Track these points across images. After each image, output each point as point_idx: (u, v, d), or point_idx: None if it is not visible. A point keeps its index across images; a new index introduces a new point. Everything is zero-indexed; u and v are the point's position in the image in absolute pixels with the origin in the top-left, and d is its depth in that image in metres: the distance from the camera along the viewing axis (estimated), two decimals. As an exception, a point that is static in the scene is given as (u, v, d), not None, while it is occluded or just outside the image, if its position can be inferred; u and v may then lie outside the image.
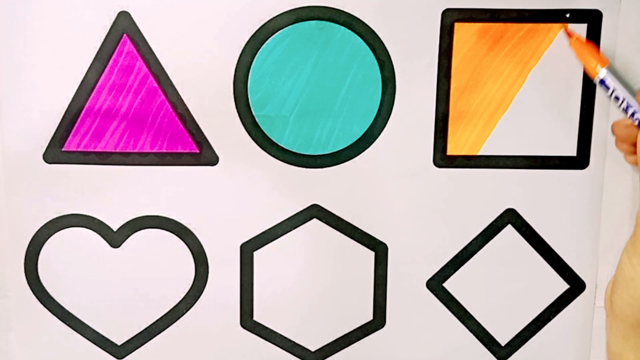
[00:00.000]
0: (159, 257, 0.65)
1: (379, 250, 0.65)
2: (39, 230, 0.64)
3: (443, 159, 0.63)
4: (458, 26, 0.60)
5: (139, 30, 0.60)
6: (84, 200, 0.64)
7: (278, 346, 0.67)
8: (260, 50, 0.60)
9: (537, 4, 0.60)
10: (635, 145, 0.59)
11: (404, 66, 0.61)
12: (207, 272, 0.66)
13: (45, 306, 0.66)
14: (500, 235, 0.65)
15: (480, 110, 0.62)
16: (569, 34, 0.60)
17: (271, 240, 0.65)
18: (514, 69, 0.61)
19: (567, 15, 0.60)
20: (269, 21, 0.60)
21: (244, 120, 0.62)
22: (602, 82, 0.59)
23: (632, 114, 0.58)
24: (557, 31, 0.60)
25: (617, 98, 0.59)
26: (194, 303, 0.66)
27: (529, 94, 0.62)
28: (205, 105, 0.62)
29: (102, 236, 0.64)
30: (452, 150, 0.63)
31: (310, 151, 0.63)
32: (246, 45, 0.60)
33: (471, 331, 0.67)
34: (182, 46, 0.60)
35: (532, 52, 0.61)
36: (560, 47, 0.61)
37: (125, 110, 0.62)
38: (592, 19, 0.60)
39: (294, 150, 0.63)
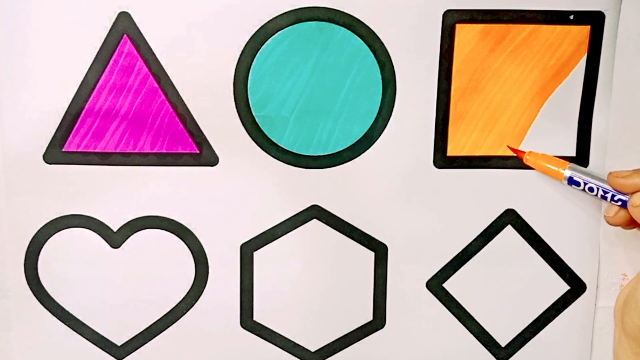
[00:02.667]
0: (159, 257, 0.65)
1: (379, 250, 0.65)
2: (39, 230, 0.64)
3: (443, 159, 0.63)
4: (459, 27, 0.60)
5: (139, 31, 0.60)
6: (84, 201, 0.63)
7: (278, 346, 0.67)
8: (260, 50, 0.60)
9: (539, 5, 0.60)
10: (633, 223, 0.60)
11: (404, 67, 0.61)
12: (207, 272, 0.66)
13: (45, 306, 0.66)
14: (500, 235, 0.65)
15: (481, 112, 0.62)
16: (519, 153, 0.62)
17: (271, 240, 0.65)
18: (515, 70, 0.61)
19: (571, 17, 0.60)
20: (269, 21, 0.60)
21: (244, 120, 0.62)
22: (570, 181, 0.61)
23: (612, 198, 0.59)
24: (559, 33, 0.60)
25: (591, 189, 0.60)
26: (194, 303, 0.66)
27: (530, 95, 0.62)
28: (205, 106, 0.62)
29: (102, 236, 0.64)
30: (452, 151, 0.63)
31: (310, 152, 0.63)
32: (246, 45, 0.60)
33: (471, 332, 0.67)
34: (182, 46, 0.60)
35: (533, 53, 0.61)
36: (560, 48, 0.61)
37: (126, 111, 0.62)
38: (595, 21, 0.60)
39: (294, 151, 0.63)
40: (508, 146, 0.62)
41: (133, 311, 0.66)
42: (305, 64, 0.61)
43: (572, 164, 0.61)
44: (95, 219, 0.64)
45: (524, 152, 0.62)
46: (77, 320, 0.66)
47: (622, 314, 0.60)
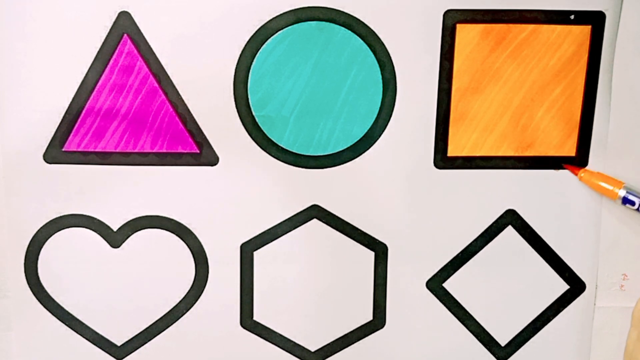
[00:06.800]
0: (159, 257, 0.65)
1: (379, 250, 0.65)
2: (39, 230, 0.64)
3: (443, 160, 0.63)
4: (460, 27, 0.60)
5: (139, 31, 0.60)
6: (84, 200, 0.63)
7: (278, 346, 0.67)
8: (260, 50, 0.60)
9: (539, 5, 0.60)
10: None
11: (405, 67, 0.61)
12: (207, 272, 0.66)
13: (45, 306, 0.66)
14: (500, 236, 0.65)
15: (482, 112, 0.62)
16: (574, 170, 0.62)
17: (271, 240, 0.65)
18: (516, 70, 0.61)
19: (572, 17, 0.60)
20: (269, 21, 0.60)
21: (244, 120, 0.62)
22: (625, 200, 0.61)
23: None
24: (559, 33, 0.60)
25: None
26: (194, 303, 0.66)
27: (530, 95, 0.62)
28: (205, 105, 0.61)
29: (102, 236, 0.64)
30: (452, 151, 0.63)
31: (311, 152, 0.63)
32: (246, 45, 0.60)
33: (471, 331, 0.67)
34: (182, 46, 0.60)
35: (534, 53, 0.61)
36: (561, 48, 0.61)
37: (126, 110, 0.61)
38: (596, 21, 0.60)
39: (294, 151, 0.63)
40: (564, 165, 0.63)
41: (133, 311, 0.66)
42: (305, 64, 0.61)
43: (626, 184, 0.62)
44: (95, 219, 0.64)
45: (578, 169, 0.63)
46: (77, 320, 0.66)
47: None
